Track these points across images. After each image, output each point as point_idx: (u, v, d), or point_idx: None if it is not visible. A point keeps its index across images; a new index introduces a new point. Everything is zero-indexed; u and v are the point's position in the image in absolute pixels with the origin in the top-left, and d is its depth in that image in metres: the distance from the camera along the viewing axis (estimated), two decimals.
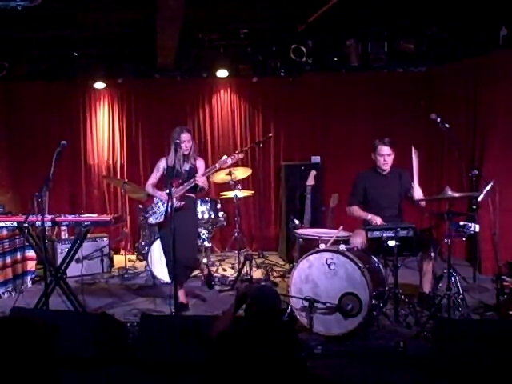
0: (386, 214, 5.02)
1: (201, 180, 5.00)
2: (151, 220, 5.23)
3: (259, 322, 2.70)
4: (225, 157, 5.16)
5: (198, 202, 6.15)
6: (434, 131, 6.80)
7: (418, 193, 4.94)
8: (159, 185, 5.28)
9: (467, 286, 5.49)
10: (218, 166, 5.11)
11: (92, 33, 6.70)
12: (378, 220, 4.90)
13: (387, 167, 5.08)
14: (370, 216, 4.96)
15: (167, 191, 4.70)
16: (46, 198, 5.46)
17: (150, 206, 5.27)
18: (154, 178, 5.27)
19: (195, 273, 5.86)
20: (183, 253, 4.92)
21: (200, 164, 5.22)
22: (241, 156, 5.35)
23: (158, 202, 5.21)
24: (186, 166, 5.15)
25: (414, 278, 5.15)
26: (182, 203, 5.04)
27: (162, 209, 5.08)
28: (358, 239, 4.83)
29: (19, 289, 5.79)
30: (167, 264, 5.15)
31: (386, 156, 5.03)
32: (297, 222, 6.39)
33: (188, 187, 5.05)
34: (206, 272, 5.69)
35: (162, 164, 5.24)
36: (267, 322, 2.71)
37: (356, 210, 5.13)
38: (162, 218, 5.05)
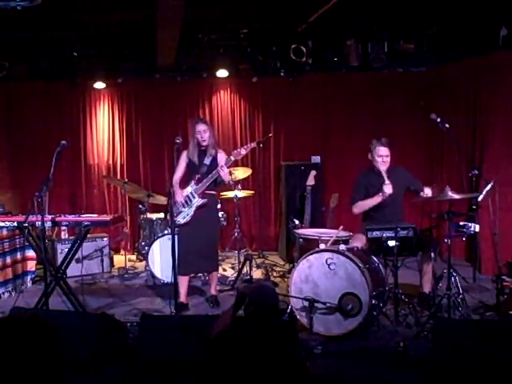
0: (386, 212, 5.03)
1: (225, 171, 4.90)
2: (179, 220, 5.05)
3: (258, 321, 2.70)
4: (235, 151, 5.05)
5: None
6: (434, 131, 6.80)
7: (427, 192, 4.94)
8: (183, 180, 5.19)
9: (467, 285, 5.49)
10: (232, 158, 4.97)
11: (92, 33, 6.69)
12: (388, 188, 4.86)
13: (385, 168, 5.08)
14: (378, 195, 4.91)
15: (167, 191, 4.70)
16: (46, 198, 5.47)
17: (174, 207, 5.10)
18: (179, 172, 5.15)
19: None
20: (205, 251, 4.98)
21: (221, 157, 5.09)
22: (253, 145, 5.19)
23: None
24: (207, 160, 5.04)
25: (414, 278, 5.15)
26: (205, 200, 4.98)
27: (187, 208, 5.02)
28: (358, 243, 4.82)
29: (19, 289, 5.79)
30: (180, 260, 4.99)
31: (384, 156, 5.04)
32: (297, 222, 6.39)
33: (209, 182, 4.95)
34: (213, 291, 5.36)
35: (183, 158, 5.14)
36: (266, 322, 2.71)
37: (362, 203, 5.06)
38: (188, 218, 5.01)
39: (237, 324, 2.77)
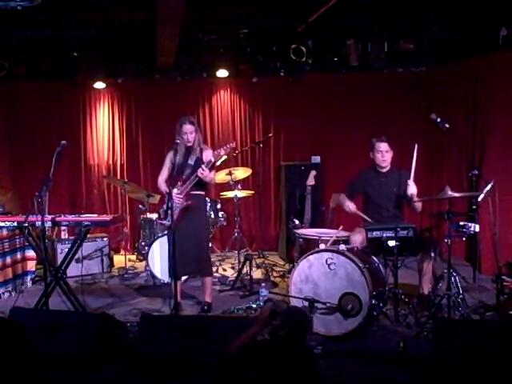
0: (384, 213, 5.05)
1: (204, 173, 4.81)
2: (166, 223, 5.04)
3: (284, 345, 2.73)
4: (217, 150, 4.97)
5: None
6: (433, 131, 6.80)
7: (411, 190, 4.94)
8: (169, 181, 5.15)
9: (467, 286, 5.49)
10: (213, 159, 4.90)
11: (92, 33, 6.70)
12: (351, 206, 5.07)
13: (386, 164, 5.10)
14: (346, 203, 5.11)
15: (167, 191, 4.67)
16: (46, 198, 5.45)
17: (162, 209, 5.12)
18: (164, 173, 5.12)
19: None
20: (194, 253, 4.89)
21: (207, 155, 5.00)
22: (233, 145, 5.06)
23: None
24: (191, 160, 4.98)
25: (414, 278, 5.15)
26: (189, 202, 4.91)
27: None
28: (358, 237, 4.84)
29: (19, 289, 5.79)
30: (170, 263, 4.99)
31: (384, 152, 5.06)
32: (297, 221, 6.39)
33: (192, 183, 4.89)
34: (207, 298, 5.19)
35: (169, 157, 5.10)
36: (291, 349, 2.74)
37: (342, 197, 5.21)
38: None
39: (264, 345, 2.78)
